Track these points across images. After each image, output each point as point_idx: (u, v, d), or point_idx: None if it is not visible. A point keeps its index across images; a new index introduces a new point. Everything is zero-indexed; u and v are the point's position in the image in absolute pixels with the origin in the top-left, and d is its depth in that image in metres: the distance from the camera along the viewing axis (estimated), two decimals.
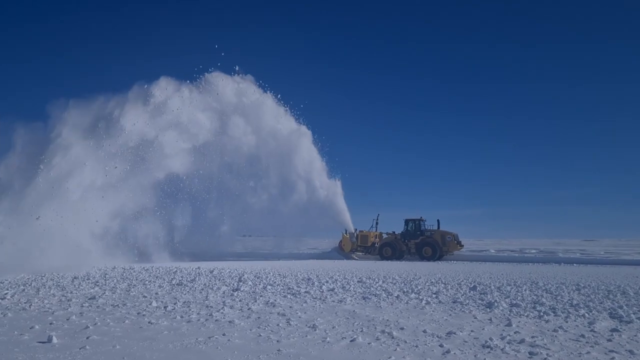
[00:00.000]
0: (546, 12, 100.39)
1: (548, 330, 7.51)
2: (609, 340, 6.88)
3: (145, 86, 28.53)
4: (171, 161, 27.67)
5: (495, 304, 9.84)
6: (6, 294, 11.02)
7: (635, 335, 7.22)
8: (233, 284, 13.15)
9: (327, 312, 9.03)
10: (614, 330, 7.53)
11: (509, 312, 9.17)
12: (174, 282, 13.81)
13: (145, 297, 10.77)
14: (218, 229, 33.32)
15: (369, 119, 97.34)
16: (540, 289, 12.89)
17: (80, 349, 6.06)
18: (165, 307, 9.26)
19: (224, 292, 11.60)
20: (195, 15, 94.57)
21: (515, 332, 7.30)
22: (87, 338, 6.64)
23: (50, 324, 7.66)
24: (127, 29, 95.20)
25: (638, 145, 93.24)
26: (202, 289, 12.15)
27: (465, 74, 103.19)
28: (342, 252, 32.76)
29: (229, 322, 7.88)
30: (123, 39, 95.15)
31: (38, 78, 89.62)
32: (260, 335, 6.93)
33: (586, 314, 8.89)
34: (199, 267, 19.53)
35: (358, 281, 14.39)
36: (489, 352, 6.12)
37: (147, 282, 13.82)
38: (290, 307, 9.53)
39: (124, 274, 16.28)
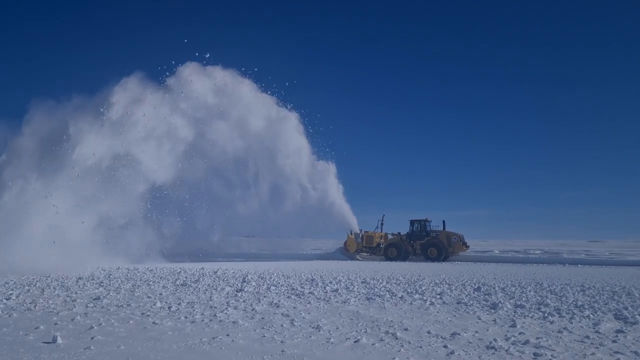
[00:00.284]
0: (550, 13, 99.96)
1: (553, 331, 7.48)
2: (614, 341, 6.85)
3: (105, 102, 26.24)
4: (151, 172, 26.22)
5: (500, 305, 9.82)
6: (11, 294, 11.08)
7: None
8: (237, 285, 13.17)
9: (331, 312, 9.03)
10: (619, 331, 7.49)
11: (513, 313, 9.15)
12: (178, 282, 13.84)
13: (149, 297, 10.80)
14: (210, 233, 32.44)
15: (373, 120, 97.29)
16: (544, 289, 12.85)
17: (84, 349, 6.08)
18: (169, 308, 9.29)
19: (227, 293, 11.62)
20: (195, 15, 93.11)
21: (519, 333, 7.28)
22: (92, 338, 6.66)
23: (55, 324, 7.68)
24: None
25: None
26: (206, 290, 12.17)
27: (471, 75, 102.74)
28: (346, 252, 32.69)
29: (233, 322, 7.89)
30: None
31: None
32: (264, 336, 6.93)
33: (591, 315, 8.85)
34: (202, 268, 19.57)
35: (362, 282, 14.38)
36: (494, 353, 6.10)
37: (151, 282, 13.86)
38: (294, 307, 9.54)
39: (128, 275, 16.34)
